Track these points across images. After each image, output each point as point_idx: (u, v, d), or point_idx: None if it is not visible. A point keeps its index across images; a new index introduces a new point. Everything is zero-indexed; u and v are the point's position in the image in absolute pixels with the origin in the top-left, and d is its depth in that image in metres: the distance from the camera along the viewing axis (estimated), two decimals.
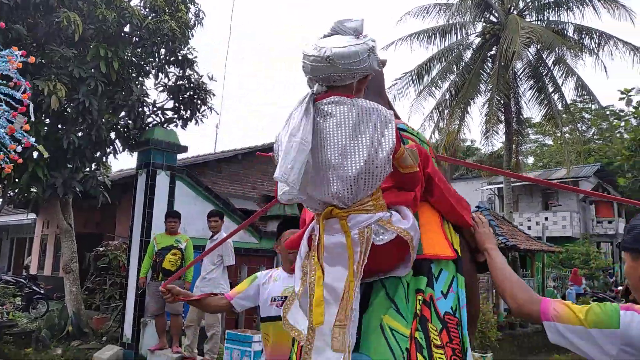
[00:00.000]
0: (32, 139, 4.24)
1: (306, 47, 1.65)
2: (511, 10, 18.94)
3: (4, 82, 3.99)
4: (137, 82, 9.17)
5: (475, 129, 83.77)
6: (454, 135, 19.40)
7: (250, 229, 9.29)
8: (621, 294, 18.19)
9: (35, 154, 7.92)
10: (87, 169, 9.06)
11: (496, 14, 19.20)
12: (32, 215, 15.24)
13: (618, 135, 29.56)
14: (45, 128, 7.99)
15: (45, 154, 5.74)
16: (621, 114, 33.30)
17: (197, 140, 39.25)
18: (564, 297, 18.19)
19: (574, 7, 18.57)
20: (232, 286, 7.25)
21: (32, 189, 8.40)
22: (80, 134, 8.29)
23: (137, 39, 8.88)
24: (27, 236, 18.87)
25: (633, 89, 31.33)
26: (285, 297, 3.10)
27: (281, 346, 3.07)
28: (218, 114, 10.26)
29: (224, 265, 6.69)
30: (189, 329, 6.59)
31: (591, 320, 1.48)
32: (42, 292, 11.32)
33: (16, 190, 8.70)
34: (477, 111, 19.64)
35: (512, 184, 20.64)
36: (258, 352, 5.71)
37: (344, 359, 1.52)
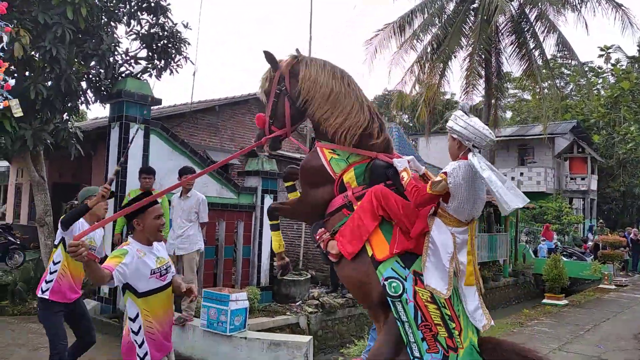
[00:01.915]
0: (12, 81, 3.93)
1: (485, 129, 2.84)
2: None
3: None
4: (107, 30, 8.73)
5: (455, 83, 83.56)
6: (434, 89, 19.26)
7: (229, 185, 9.16)
8: (590, 249, 18.80)
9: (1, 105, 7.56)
10: (58, 120, 8.73)
11: None
12: (5, 163, 14.78)
13: (595, 92, 29.82)
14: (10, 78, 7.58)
15: (19, 113, 5.36)
16: (599, 70, 33.54)
17: (173, 87, 38.14)
18: (535, 252, 18.70)
19: None
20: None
21: (0, 141, 8.08)
22: (48, 83, 7.92)
23: None
24: (1, 184, 18.38)
25: (612, 46, 31.45)
26: (160, 267, 3.13)
27: (163, 317, 3.12)
28: (194, 64, 9.90)
29: (199, 222, 6.63)
30: None
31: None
32: (18, 242, 11.10)
33: None
34: (457, 65, 19.44)
35: None
36: (234, 311, 5.74)
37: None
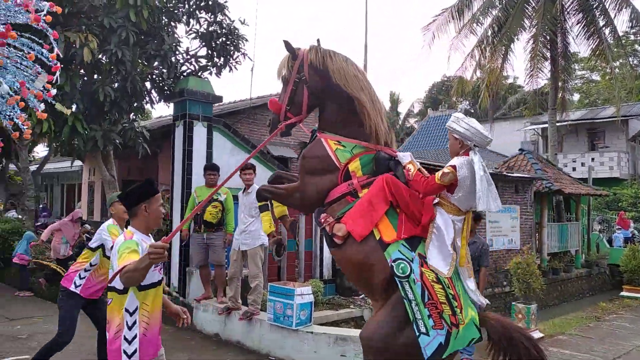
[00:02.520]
0: (54, 91, 4.07)
1: (484, 130, 3.21)
2: None
3: (27, 34, 3.70)
4: (168, 30, 8.95)
5: (519, 66, 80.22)
6: (497, 74, 18.57)
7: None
8: None
9: (74, 107, 7.93)
10: (125, 121, 9.05)
11: None
12: (79, 163, 15.53)
13: None
14: (80, 81, 7.93)
15: (67, 112, 5.60)
16: None
17: (229, 83, 38.83)
18: (610, 241, 17.71)
19: None
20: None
21: (73, 142, 8.47)
22: (115, 85, 8.22)
23: None
24: (75, 182, 19.37)
25: None
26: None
27: (157, 314, 2.99)
28: (252, 60, 9.98)
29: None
30: (232, 281, 6.64)
31: None
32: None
33: (58, 143, 8.81)
34: (520, 47, 18.64)
35: (558, 124, 19.78)
36: (300, 305, 5.74)
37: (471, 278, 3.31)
